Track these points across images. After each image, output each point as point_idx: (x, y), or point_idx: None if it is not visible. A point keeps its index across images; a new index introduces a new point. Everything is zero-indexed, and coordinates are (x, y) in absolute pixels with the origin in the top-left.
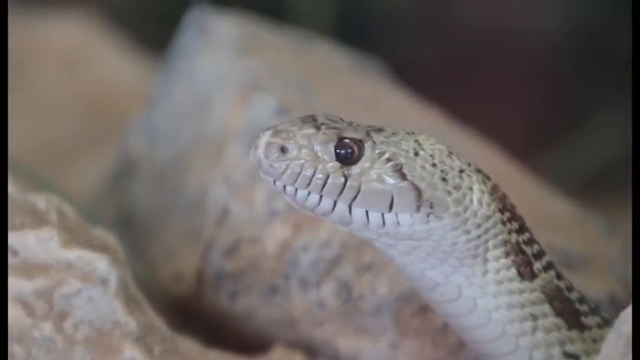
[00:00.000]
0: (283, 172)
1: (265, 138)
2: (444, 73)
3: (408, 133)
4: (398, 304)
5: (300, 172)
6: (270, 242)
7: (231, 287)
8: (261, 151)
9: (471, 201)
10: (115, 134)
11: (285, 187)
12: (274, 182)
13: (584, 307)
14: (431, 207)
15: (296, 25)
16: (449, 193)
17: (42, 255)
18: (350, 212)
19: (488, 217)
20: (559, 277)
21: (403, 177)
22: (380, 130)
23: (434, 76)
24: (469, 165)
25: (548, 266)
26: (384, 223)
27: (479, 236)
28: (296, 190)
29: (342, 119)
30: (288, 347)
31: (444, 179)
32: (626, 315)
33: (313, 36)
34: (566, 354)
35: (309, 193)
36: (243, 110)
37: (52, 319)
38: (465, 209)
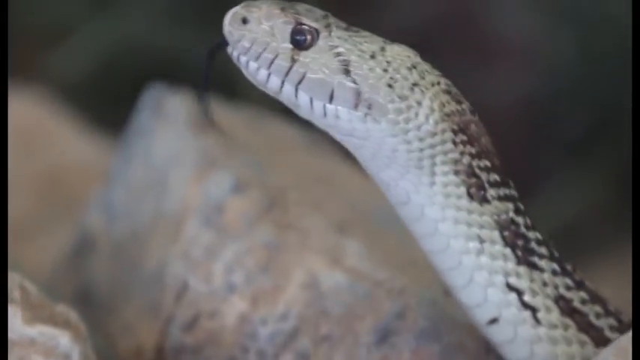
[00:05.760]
0: (238, 41)
1: (236, 8)
2: None
3: (384, 42)
4: None
5: (251, 45)
6: (229, 316)
7: None
8: (227, 18)
9: (416, 115)
10: (72, 211)
11: (239, 56)
12: (232, 51)
13: (541, 250)
14: (368, 108)
15: (247, 101)
16: (391, 100)
17: None
18: (296, 95)
19: (434, 134)
20: (518, 212)
21: (347, 73)
22: (347, 28)
23: None
24: (434, 84)
25: (507, 198)
26: (325, 114)
27: (421, 149)
28: (248, 61)
29: (326, 15)
30: None
31: (389, 85)
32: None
33: (266, 112)
34: (509, 285)
35: (259, 68)
36: (200, 187)
37: None
38: (407, 120)
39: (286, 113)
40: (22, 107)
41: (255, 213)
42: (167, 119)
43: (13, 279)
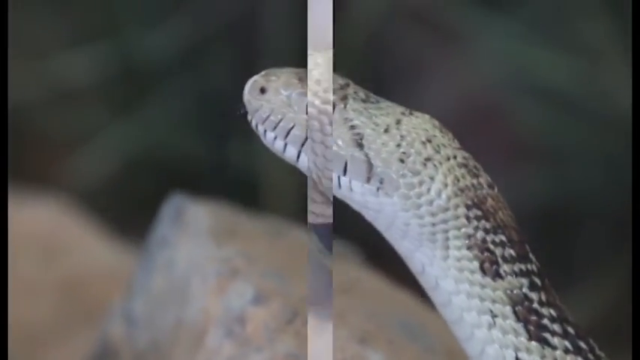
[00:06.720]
0: (256, 111)
1: (256, 76)
2: None
3: (403, 113)
4: None
5: (269, 115)
6: None
7: None
8: (247, 86)
9: (428, 190)
10: (93, 319)
11: (257, 125)
12: (251, 119)
13: (554, 327)
14: (381, 182)
15: (268, 212)
16: (403, 175)
17: None
18: None
19: (446, 209)
20: (533, 287)
21: (360, 147)
22: (365, 99)
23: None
24: (449, 158)
25: (522, 274)
26: (340, 185)
27: (434, 224)
28: (265, 131)
29: (346, 84)
30: None
31: (401, 160)
32: None
33: (287, 223)
34: None
35: (276, 138)
36: (221, 298)
37: None
38: (419, 195)
39: (306, 222)
40: (43, 214)
41: (276, 324)
42: (188, 229)
43: None
